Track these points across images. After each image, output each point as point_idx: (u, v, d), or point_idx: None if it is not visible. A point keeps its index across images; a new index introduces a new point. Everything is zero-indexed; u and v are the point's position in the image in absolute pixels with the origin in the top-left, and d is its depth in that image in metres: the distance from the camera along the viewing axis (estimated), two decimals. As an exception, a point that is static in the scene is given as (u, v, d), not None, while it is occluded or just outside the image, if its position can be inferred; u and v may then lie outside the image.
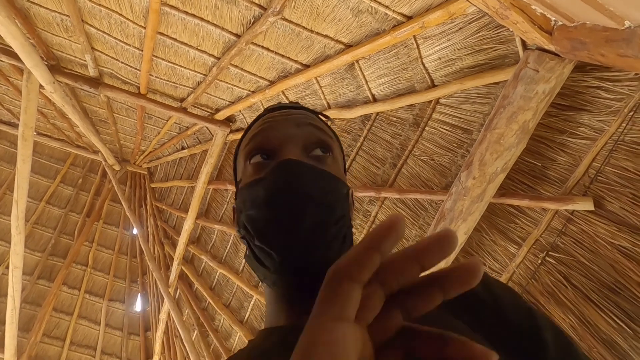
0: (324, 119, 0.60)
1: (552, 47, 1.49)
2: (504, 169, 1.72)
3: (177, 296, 5.09)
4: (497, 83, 1.93)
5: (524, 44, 1.76)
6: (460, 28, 1.89)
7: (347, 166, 2.82)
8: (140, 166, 6.78)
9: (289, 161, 0.48)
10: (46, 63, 3.56)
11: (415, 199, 2.32)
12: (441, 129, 2.22)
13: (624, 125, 1.53)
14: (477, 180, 1.73)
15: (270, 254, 0.46)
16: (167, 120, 4.73)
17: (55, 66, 3.71)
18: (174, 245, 5.33)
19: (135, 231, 6.74)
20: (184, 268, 4.90)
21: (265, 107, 0.59)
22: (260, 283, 3.67)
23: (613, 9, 1.07)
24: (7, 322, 4.62)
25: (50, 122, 5.78)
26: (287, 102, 0.59)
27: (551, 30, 1.46)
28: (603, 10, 1.09)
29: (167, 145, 5.54)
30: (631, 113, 1.51)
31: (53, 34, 3.30)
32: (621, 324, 1.43)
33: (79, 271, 6.41)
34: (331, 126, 0.60)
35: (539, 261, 1.73)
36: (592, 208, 1.58)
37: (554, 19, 1.42)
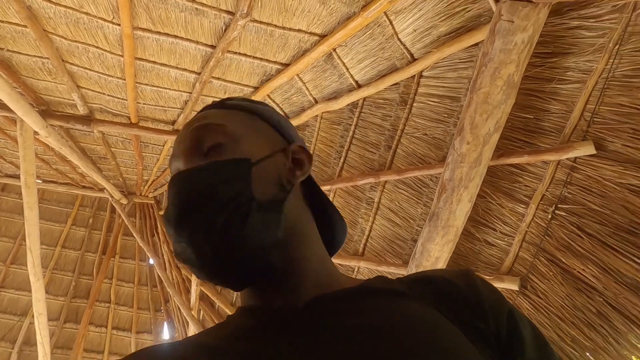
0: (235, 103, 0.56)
1: (522, -6, 1.45)
2: (497, 128, 1.67)
3: (200, 317, 5.09)
4: (477, 44, 1.89)
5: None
6: (429, -5, 1.86)
7: (343, 158, 2.79)
8: (147, 196, 6.84)
9: (174, 179, 0.47)
10: (37, 109, 3.62)
11: (415, 177, 2.28)
12: (429, 102, 2.18)
13: (612, 60, 1.47)
14: (471, 144, 1.69)
15: (186, 260, 0.46)
16: (163, 146, 4.77)
17: (46, 110, 3.77)
18: (190, 267, 5.34)
19: (151, 261, 6.79)
20: (202, 289, 4.90)
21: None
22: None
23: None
24: (40, 369, 4.66)
25: (53, 168, 5.88)
26: (210, 103, 0.57)
27: (518, -24, 1.42)
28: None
29: (168, 171, 5.59)
30: (617, 47, 1.46)
31: (38, 79, 3.36)
32: (644, 264, 1.37)
33: (103, 309, 6.46)
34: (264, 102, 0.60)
35: (550, 216, 1.67)
36: (593, 151, 1.53)
37: (518, -36, 1.38)
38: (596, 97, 1.52)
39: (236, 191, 0.43)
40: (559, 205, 1.64)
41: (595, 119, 1.53)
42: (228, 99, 0.57)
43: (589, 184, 1.55)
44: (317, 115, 2.97)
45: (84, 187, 6.62)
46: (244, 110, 0.54)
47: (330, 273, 0.50)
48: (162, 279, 5.20)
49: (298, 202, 0.51)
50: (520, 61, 1.56)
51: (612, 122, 1.48)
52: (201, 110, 0.57)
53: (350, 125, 2.69)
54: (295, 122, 3.21)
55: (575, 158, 1.59)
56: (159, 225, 6.56)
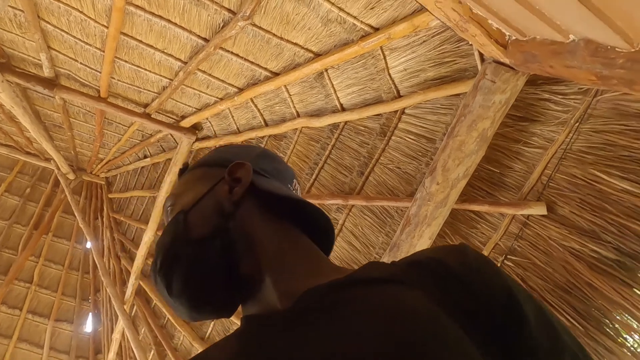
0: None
1: (507, 60, 1.59)
2: (465, 175, 1.78)
3: (133, 314, 4.77)
4: (458, 95, 2.03)
5: (481, 57, 1.86)
6: (424, 41, 1.98)
7: (315, 175, 2.82)
8: (98, 175, 6.41)
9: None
10: (-5, 60, 3.33)
11: (381, 206, 2.35)
12: (407, 138, 2.28)
13: (571, 135, 1.65)
14: (440, 185, 1.78)
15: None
16: (129, 127, 4.54)
17: (5, 64, 3.47)
18: (131, 259, 5.03)
19: (89, 245, 6.30)
20: (141, 283, 4.62)
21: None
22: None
23: (559, 22, 1.15)
24: None
25: (-3, 126, 5.35)
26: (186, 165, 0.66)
27: (506, 44, 1.56)
28: (551, 23, 1.17)
29: (128, 153, 5.30)
30: (577, 124, 1.64)
31: (4, 30, 3.10)
32: (574, 322, 1.50)
33: (21, 289, 5.85)
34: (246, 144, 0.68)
35: (499, 264, 1.79)
36: (545, 212, 1.67)
37: (508, 33, 1.52)
38: (554, 164, 1.68)
39: (171, 241, 0.53)
40: (508, 256, 1.77)
41: (550, 184, 1.68)
42: (185, 166, 0.68)
43: (536, 241, 1.70)
44: (297, 129, 3.00)
45: (28, 153, 6.08)
46: (192, 169, 0.64)
47: (319, 266, 0.51)
48: (98, 265, 4.84)
49: (254, 212, 0.55)
50: (495, 119, 1.70)
51: (564, 190, 1.64)
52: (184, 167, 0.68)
53: (328, 145, 2.74)
54: (273, 131, 3.21)
55: (529, 215, 1.73)
56: (105, 208, 6.15)
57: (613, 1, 0.82)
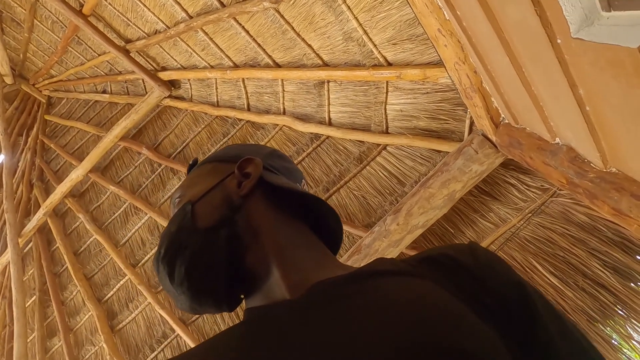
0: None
1: (494, 138, 1.74)
2: (424, 225, 1.88)
3: (25, 250, 4.23)
4: (439, 151, 2.15)
5: (470, 128, 2.01)
6: (428, 92, 2.09)
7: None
8: (40, 91, 5.72)
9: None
10: None
11: (335, 227, 2.38)
12: (380, 173, 2.36)
13: (522, 222, 1.82)
14: (400, 226, 1.86)
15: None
16: (100, 56, 4.14)
17: None
18: (47, 191, 4.50)
19: (1, 158, 5.54)
20: (49, 220, 4.13)
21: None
22: (140, 263, 3.28)
23: (553, 123, 1.29)
24: None
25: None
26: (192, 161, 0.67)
27: (498, 124, 1.70)
28: (545, 121, 1.31)
29: (87, 81, 4.82)
30: (530, 214, 1.82)
31: None
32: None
33: None
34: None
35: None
36: (479, 282, 1.81)
37: (503, 115, 1.66)
38: (500, 242, 1.85)
39: (177, 230, 0.52)
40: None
41: (491, 258, 1.84)
42: (195, 161, 0.68)
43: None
44: (278, 125, 2.96)
45: (-33, 36, 5.25)
46: (202, 164, 0.64)
47: (327, 261, 0.51)
48: (4, 184, 4.25)
49: (261, 207, 0.54)
50: (467, 185, 1.83)
51: (501, 267, 1.79)
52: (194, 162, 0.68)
53: (304, 151, 2.73)
54: (253, 118, 3.13)
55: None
56: (35, 128, 5.48)
57: (607, 123, 0.94)
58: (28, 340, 3.29)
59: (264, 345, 0.37)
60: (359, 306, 0.38)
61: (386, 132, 2.36)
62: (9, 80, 5.37)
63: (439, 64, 1.95)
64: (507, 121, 1.66)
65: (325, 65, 2.44)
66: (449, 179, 1.81)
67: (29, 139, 5.47)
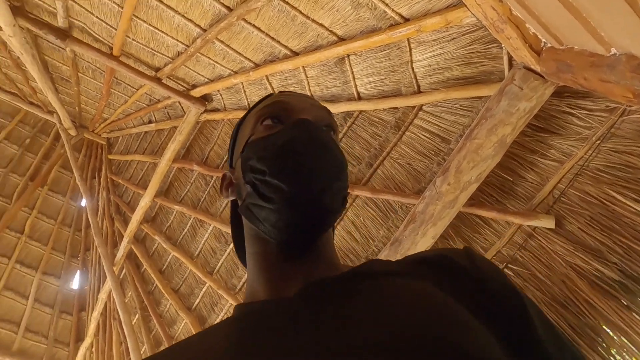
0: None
1: (538, 68, 1.56)
2: (478, 179, 1.76)
3: (121, 276, 4.78)
4: (480, 98, 1.99)
5: (510, 62, 1.83)
6: (454, 38, 1.93)
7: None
8: (100, 135, 6.34)
9: (307, 120, 0.52)
10: (9, 2, 3.23)
11: (386, 200, 2.34)
12: (421, 135, 2.25)
13: (591, 152, 1.63)
14: (451, 186, 1.77)
15: (279, 187, 0.46)
16: (138, 90, 4.46)
17: (19, 8, 3.37)
18: (125, 222, 5.01)
19: (83, 203, 6.28)
20: (133, 247, 4.61)
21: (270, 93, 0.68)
22: (215, 269, 3.53)
23: (604, 34, 1.12)
24: None
25: (2, 71, 5.25)
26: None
27: (540, 51, 1.52)
28: (594, 34, 1.14)
29: (133, 116, 5.22)
30: (598, 142, 1.62)
31: (22, -28, 3.00)
32: (567, 336, 1.51)
33: (11, 238, 5.83)
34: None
35: (498, 272, 1.79)
36: (552, 226, 1.67)
37: (544, 39, 1.48)
38: (568, 179, 1.67)
39: (346, 185, 0.52)
40: (509, 265, 1.77)
41: (562, 199, 1.67)
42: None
43: (540, 253, 1.70)
44: (309, 112, 2.95)
45: (31, 103, 5.98)
46: (331, 131, 0.61)
47: (334, 261, 0.52)
48: (91, 224, 4.82)
49: None
50: (517, 126, 1.67)
51: (575, 206, 1.63)
52: (293, 93, 0.64)
53: (340, 132, 2.70)
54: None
55: (535, 227, 1.73)
56: (103, 169, 6.10)
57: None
58: (141, 352, 3.74)
59: (256, 350, 0.37)
60: (354, 306, 0.38)
61: (418, 91, 2.24)
62: (73, 132, 6.01)
63: (459, 4, 1.79)
64: (549, 45, 1.48)
65: (341, 39, 2.37)
66: (495, 124, 1.67)
67: (101, 180, 6.11)
